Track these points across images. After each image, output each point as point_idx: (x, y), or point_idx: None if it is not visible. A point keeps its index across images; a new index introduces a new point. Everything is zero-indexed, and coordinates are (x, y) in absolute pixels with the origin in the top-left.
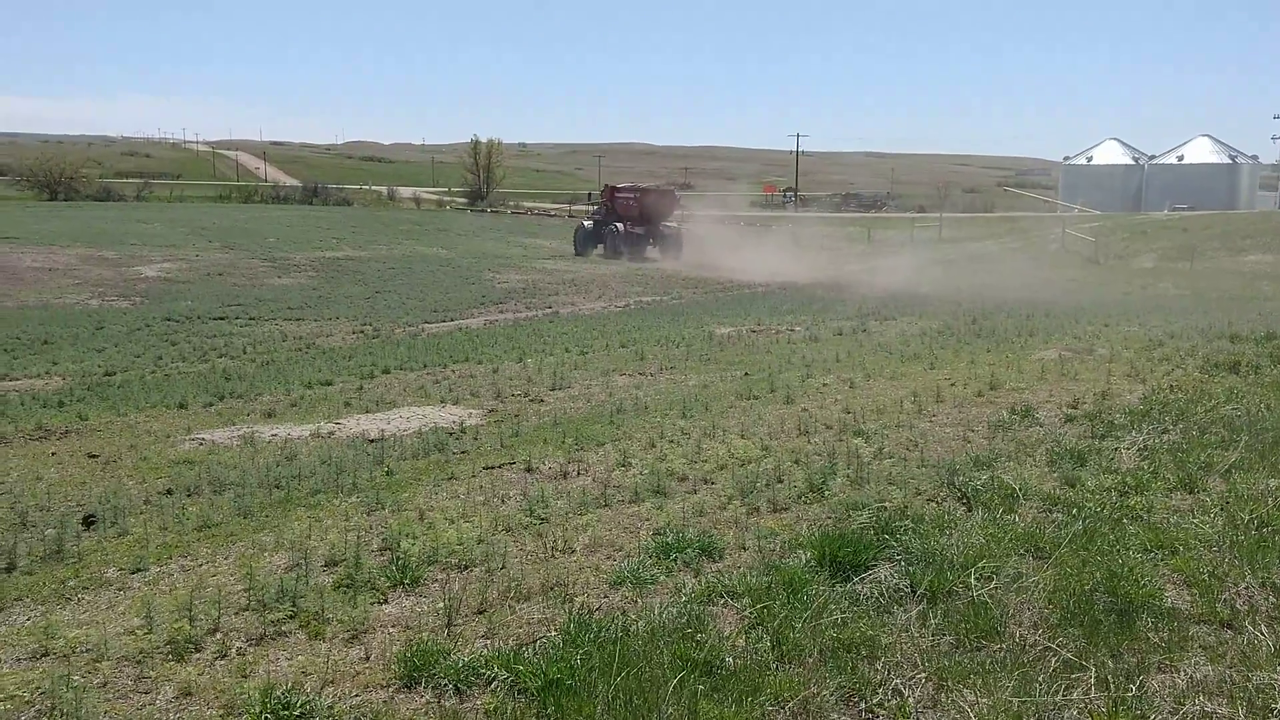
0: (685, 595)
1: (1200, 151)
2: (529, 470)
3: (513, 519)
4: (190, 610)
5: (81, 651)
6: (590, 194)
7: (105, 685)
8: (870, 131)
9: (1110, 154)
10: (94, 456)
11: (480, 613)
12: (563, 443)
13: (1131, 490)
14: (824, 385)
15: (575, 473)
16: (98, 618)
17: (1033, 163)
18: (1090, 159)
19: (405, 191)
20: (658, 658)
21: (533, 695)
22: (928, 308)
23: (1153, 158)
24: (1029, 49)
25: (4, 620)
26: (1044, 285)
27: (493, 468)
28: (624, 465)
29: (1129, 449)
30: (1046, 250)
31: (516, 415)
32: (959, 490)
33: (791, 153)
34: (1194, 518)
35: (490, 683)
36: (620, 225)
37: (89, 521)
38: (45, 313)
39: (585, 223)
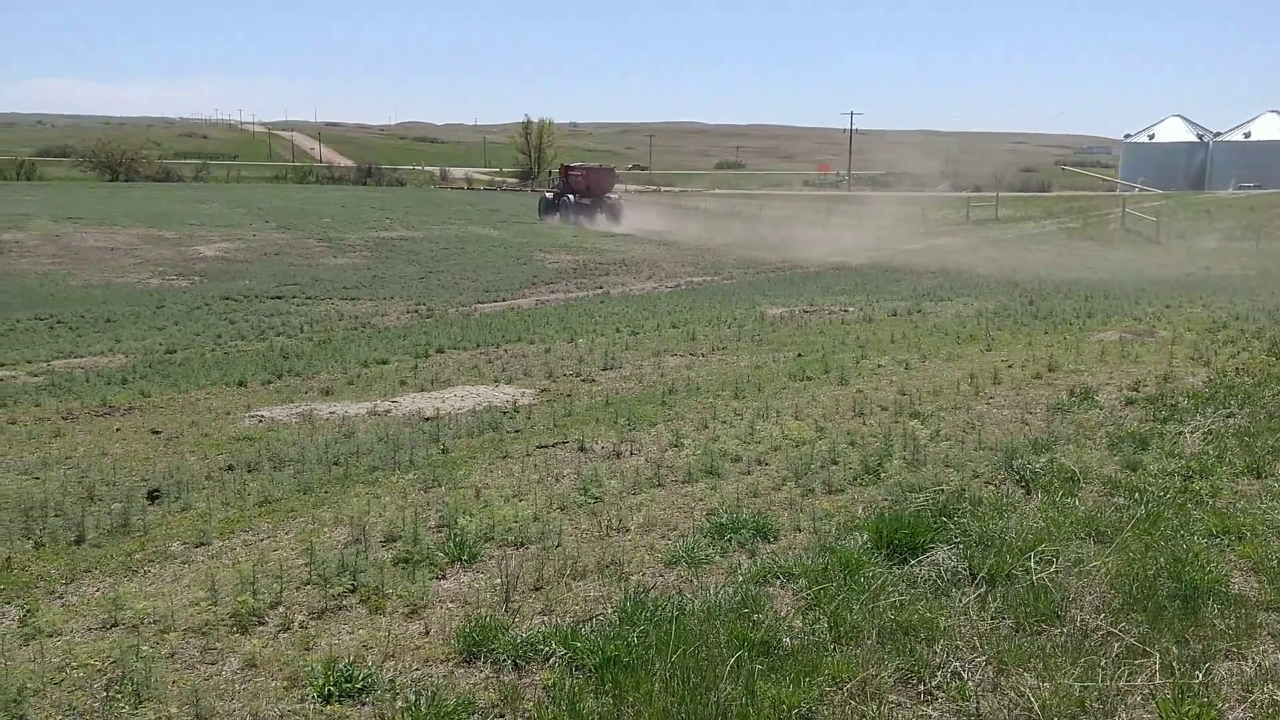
0: (741, 575)
1: (1268, 128)
2: (582, 449)
3: (567, 498)
4: (253, 584)
5: (149, 623)
6: (550, 171)
7: (173, 656)
8: (926, 110)
9: (1173, 131)
10: (157, 433)
11: (537, 590)
12: (615, 423)
13: (1196, 475)
14: (879, 366)
15: (628, 452)
16: (164, 590)
17: (1092, 141)
18: (1152, 136)
19: (457, 172)
20: (714, 637)
21: (590, 672)
22: (984, 288)
23: (1218, 135)
24: (1090, 24)
25: (75, 591)
26: (1103, 265)
27: (546, 447)
28: (677, 445)
29: (1193, 433)
30: (1106, 230)
31: (569, 395)
32: (1017, 473)
33: (845, 130)
34: (1261, 503)
35: (548, 659)
36: (572, 196)
37: (153, 496)
38: (108, 291)
39: (546, 195)
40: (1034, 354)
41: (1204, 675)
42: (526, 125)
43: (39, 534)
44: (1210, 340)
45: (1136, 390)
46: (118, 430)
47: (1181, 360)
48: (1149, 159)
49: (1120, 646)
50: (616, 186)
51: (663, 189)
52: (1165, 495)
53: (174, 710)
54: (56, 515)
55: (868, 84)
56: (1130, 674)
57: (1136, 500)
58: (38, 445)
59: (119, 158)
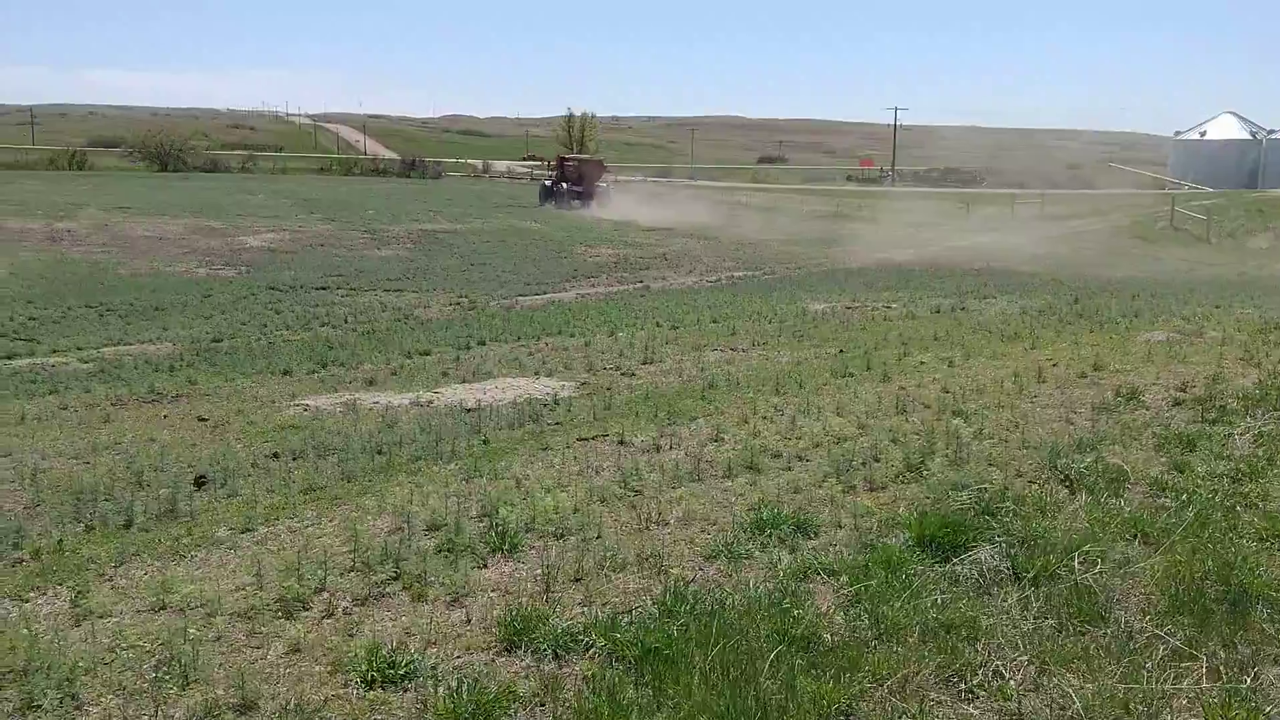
0: (781, 571)
1: None
2: (622, 443)
3: (607, 490)
4: (298, 570)
5: (196, 606)
6: (548, 161)
7: (219, 639)
8: (971, 105)
9: (1225, 128)
10: (204, 420)
11: (577, 580)
12: (655, 416)
13: (1246, 477)
14: (922, 364)
15: (668, 446)
16: (210, 574)
17: (1141, 138)
18: (1204, 133)
19: (500, 165)
20: (754, 631)
21: (630, 663)
22: (1028, 286)
23: (1272, 132)
24: (1139, 18)
25: (124, 574)
26: (1151, 264)
27: (586, 439)
28: (716, 440)
29: (1243, 434)
30: (1154, 228)
31: (608, 388)
32: (1062, 473)
33: (889, 125)
34: None
35: (588, 649)
36: (565, 184)
37: (200, 482)
38: (156, 280)
39: (545, 183)
40: (1079, 353)
41: (1252, 680)
42: (569, 118)
43: (89, 518)
44: (1261, 341)
45: (1184, 391)
46: (165, 417)
47: (1231, 361)
48: (1200, 156)
49: (1166, 649)
50: (605, 176)
51: (648, 180)
52: (1214, 497)
53: (221, 692)
54: (106, 500)
55: (912, 78)
56: (1176, 677)
57: (1184, 502)
58: (88, 431)
59: (168, 148)
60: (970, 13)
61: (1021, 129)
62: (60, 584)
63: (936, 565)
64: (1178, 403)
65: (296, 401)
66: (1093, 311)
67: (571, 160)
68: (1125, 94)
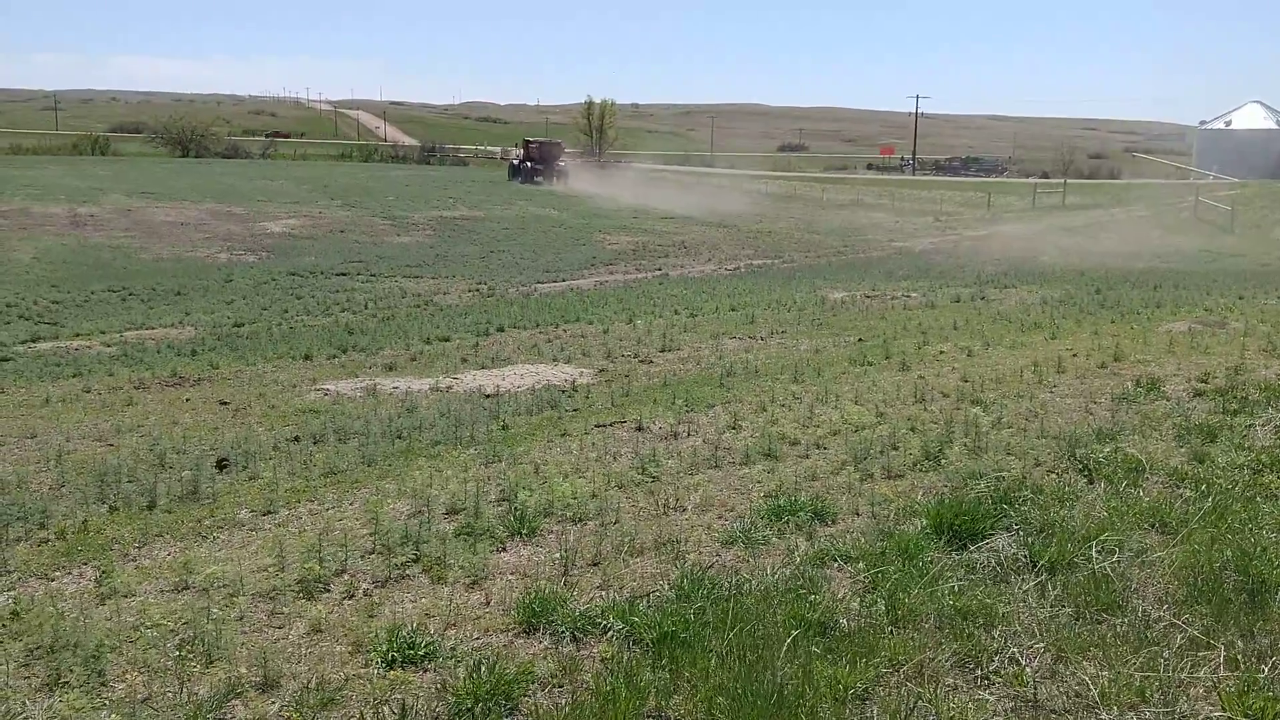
0: (798, 557)
1: None
2: (640, 429)
3: (625, 476)
4: (319, 552)
5: (219, 586)
6: (516, 143)
7: (242, 619)
8: (993, 94)
9: (1252, 118)
10: (225, 403)
11: (595, 564)
12: (673, 403)
13: (1266, 468)
14: (941, 353)
15: (686, 433)
16: (232, 555)
17: (1165, 127)
18: (1229, 123)
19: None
20: (771, 616)
21: (648, 646)
22: (1049, 276)
23: None
24: (1167, 6)
25: (148, 554)
26: (1173, 255)
27: (604, 425)
28: (734, 428)
29: (1264, 426)
30: (1177, 219)
31: (627, 375)
32: (1080, 462)
33: (911, 114)
34: None
35: (606, 632)
36: (529, 164)
37: (222, 465)
38: (178, 265)
39: (513, 162)
40: (1100, 343)
41: (1270, 670)
42: (589, 106)
43: (113, 498)
44: None
45: (1205, 382)
46: (188, 400)
47: (1254, 352)
48: (1225, 146)
49: (1183, 638)
50: (564, 156)
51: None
52: (1233, 488)
53: (243, 671)
54: (130, 481)
55: (935, 67)
56: (1194, 666)
57: (1203, 492)
58: (111, 413)
59: (190, 134)
60: (994, 4)
61: (1046, 118)
62: (85, 563)
63: (953, 553)
64: (1199, 393)
65: (317, 386)
66: (1114, 302)
67: (535, 142)
68: (1151, 83)
